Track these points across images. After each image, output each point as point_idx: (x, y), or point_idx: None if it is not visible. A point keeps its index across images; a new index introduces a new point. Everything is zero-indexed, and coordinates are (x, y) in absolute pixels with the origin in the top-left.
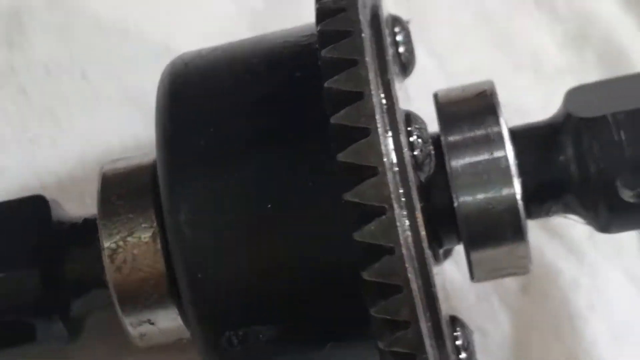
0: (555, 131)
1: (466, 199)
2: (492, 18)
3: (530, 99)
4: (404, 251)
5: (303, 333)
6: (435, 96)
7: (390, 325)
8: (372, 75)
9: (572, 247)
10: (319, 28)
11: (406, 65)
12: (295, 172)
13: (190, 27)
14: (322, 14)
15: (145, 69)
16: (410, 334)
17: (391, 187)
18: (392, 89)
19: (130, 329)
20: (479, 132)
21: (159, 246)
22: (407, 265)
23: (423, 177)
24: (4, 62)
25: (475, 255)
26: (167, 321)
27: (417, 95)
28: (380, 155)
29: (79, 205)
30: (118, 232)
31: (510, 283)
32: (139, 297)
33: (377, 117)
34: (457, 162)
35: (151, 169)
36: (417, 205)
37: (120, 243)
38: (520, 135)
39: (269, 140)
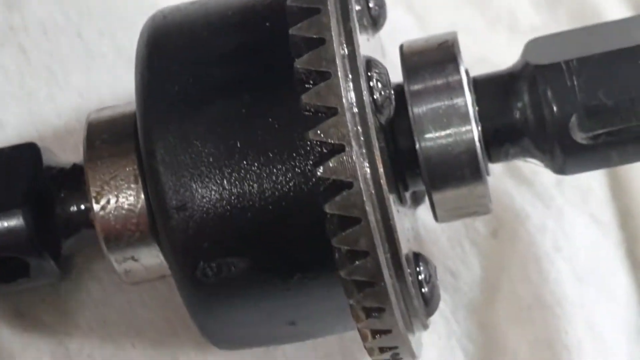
0: (513, 79)
1: (427, 143)
2: None
3: (506, 55)
4: (362, 185)
5: (272, 264)
6: (401, 47)
7: (350, 255)
8: (333, 23)
9: (540, 193)
10: None
11: (376, 19)
12: (262, 113)
13: None
14: None
15: (137, 27)
16: (369, 263)
17: (350, 126)
18: (354, 36)
19: (115, 265)
20: (440, 80)
21: (140, 186)
22: (364, 198)
23: (383, 119)
24: (3, 22)
25: (437, 196)
26: (150, 258)
27: (396, 51)
28: (339, 96)
29: (75, 154)
30: (102, 175)
31: (480, 227)
32: (122, 235)
33: (338, 61)
34: (419, 109)
35: (133, 116)
36: (376, 144)
37: (104, 185)
38: (481, 83)
39: (239, 85)
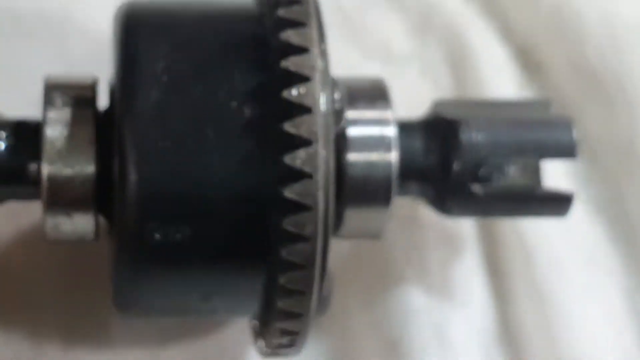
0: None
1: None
2: (346, 14)
3: None
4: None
5: (213, 238)
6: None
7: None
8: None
9: None
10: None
11: None
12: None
13: None
14: None
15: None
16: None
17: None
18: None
19: (48, 221)
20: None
21: (94, 155)
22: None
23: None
24: None
25: (350, 211)
26: (84, 223)
27: None
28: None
29: None
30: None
31: None
32: (64, 198)
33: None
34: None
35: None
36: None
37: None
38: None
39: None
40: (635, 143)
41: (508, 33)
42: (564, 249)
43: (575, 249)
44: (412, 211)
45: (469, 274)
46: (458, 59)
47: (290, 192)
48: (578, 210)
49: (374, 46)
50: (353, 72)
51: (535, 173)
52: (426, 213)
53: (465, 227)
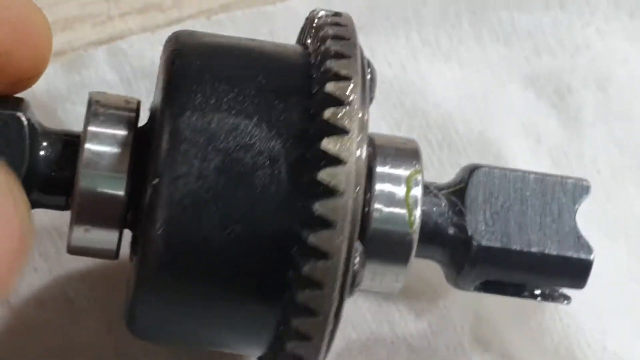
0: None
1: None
2: None
3: None
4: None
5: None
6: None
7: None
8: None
9: None
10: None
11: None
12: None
13: None
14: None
15: None
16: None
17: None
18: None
19: (75, 233)
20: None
21: (126, 176)
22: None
23: None
24: None
25: (370, 265)
26: (107, 239)
27: None
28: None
29: None
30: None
31: None
32: (94, 214)
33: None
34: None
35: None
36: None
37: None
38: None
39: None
40: None
41: None
42: None
43: None
44: None
45: None
46: None
47: (314, 238)
48: None
49: None
50: None
51: None
52: None
53: None
